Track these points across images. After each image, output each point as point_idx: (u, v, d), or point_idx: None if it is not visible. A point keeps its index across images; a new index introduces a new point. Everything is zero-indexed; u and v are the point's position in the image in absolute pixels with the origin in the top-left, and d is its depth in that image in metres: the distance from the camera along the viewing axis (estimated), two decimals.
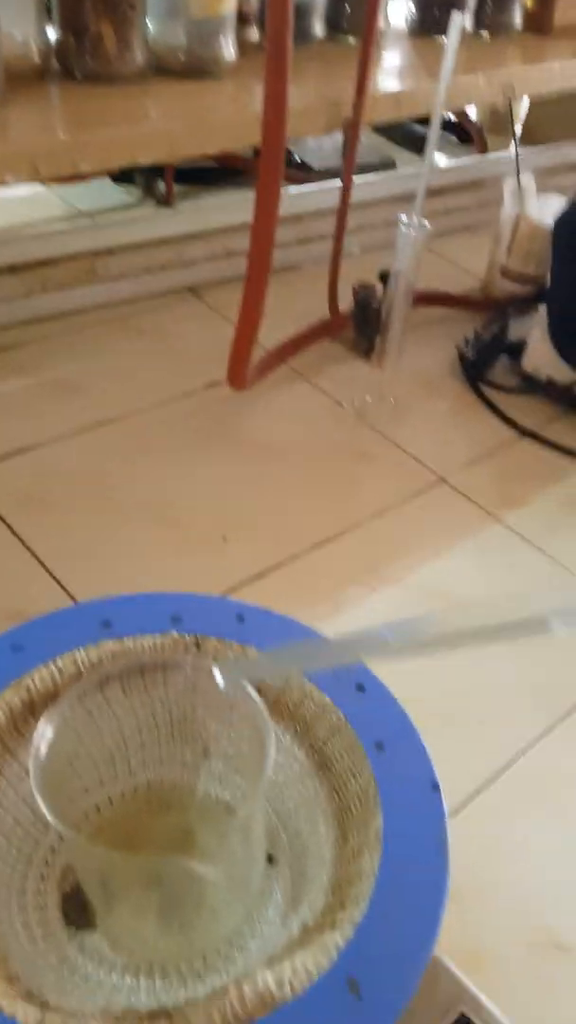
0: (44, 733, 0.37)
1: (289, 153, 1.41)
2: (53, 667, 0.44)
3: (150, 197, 1.34)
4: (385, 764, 0.42)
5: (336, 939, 0.35)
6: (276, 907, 0.43)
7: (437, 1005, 0.38)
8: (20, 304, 1.00)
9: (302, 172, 1.38)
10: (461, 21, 0.70)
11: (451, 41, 0.70)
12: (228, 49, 0.90)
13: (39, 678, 0.43)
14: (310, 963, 0.35)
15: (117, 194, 1.35)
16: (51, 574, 0.74)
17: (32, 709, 0.44)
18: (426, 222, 0.78)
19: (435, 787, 0.41)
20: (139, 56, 0.86)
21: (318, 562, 0.78)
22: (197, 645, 0.47)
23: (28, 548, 0.76)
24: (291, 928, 0.40)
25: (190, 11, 0.85)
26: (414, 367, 1.00)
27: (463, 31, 1.12)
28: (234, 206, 1.16)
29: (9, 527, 0.78)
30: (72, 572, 0.74)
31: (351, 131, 0.92)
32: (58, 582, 0.74)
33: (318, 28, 1.03)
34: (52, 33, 0.84)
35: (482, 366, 0.99)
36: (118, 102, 0.83)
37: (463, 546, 0.82)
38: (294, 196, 1.19)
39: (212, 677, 0.45)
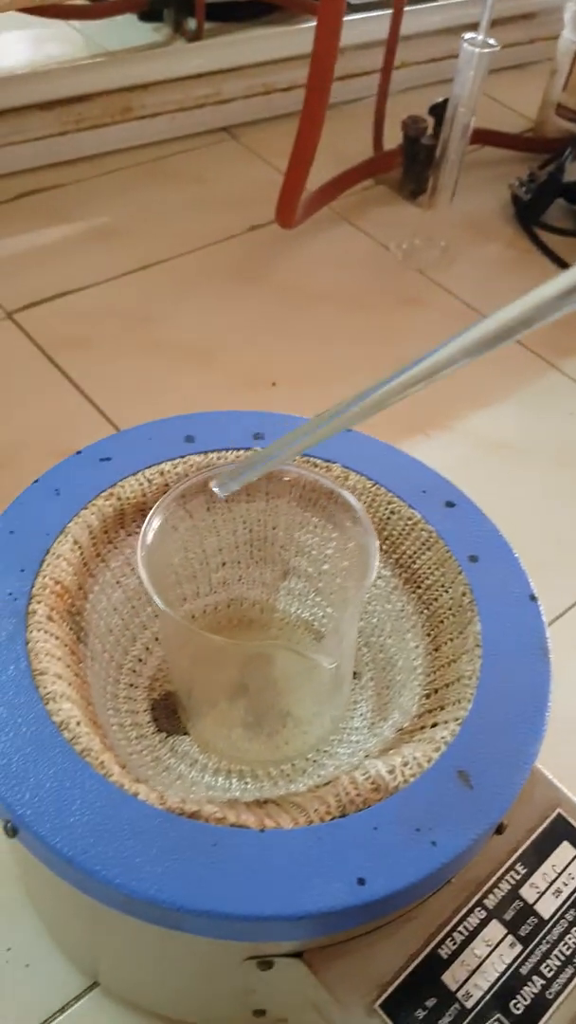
0: (151, 523, 0.36)
1: None
2: (142, 477, 0.42)
3: (179, 35, 1.25)
4: (479, 577, 0.41)
5: (443, 734, 0.35)
6: (362, 717, 0.43)
7: (536, 806, 0.38)
8: (55, 143, 0.94)
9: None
10: None
11: None
12: None
13: (128, 488, 0.42)
14: (419, 754, 0.34)
15: (144, 32, 1.26)
16: (100, 411, 0.72)
17: (122, 518, 0.42)
18: (492, 40, 0.72)
19: (533, 598, 0.40)
20: None
21: None
22: None
23: (77, 386, 0.74)
24: (383, 734, 0.40)
25: None
26: (464, 210, 0.95)
27: None
28: (273, 40, 1.08)
29: (58, 367, 0.75)
30: (120, 410, 0.72)
31: None
32: (107, 419, 0.72)
33: None
34: None
35: (537, 208, 0.94)
36: None
37: (519, 394, 0.79)
38: None
39: (291, 494, 0.44)
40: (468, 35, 0.73)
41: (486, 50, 0.73)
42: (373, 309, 0.85)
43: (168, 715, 0.43)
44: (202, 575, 0.46)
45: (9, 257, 0.86)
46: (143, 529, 0.37)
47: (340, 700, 0.42)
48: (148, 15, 1.28)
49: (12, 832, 0.32)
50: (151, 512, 0.38)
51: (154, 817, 0.31)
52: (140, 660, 0.44)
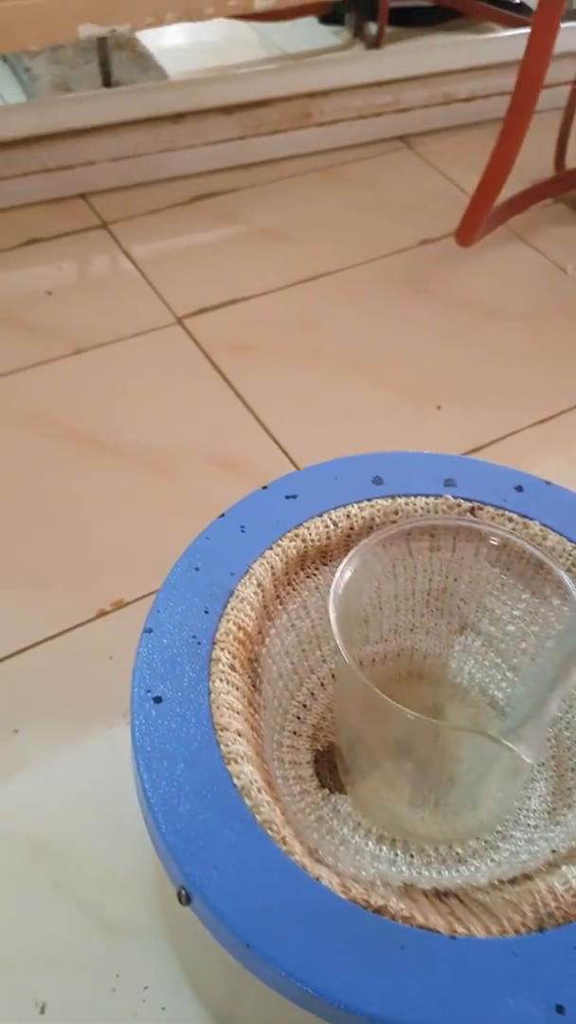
0: (346, 571, 0.34)
1: None
2: (328, 519, 0.39)
3: (359, 39, 1.22)
4: None
5: None
6: (540, 799, 0.39)
7: None
8: (233, 147, 0.92)
9: (520, 14, 1.21)
10: None
11: None
12: None
13: (314, 529, 0.39)
14: None
15: (324, 35, 1.23)
16: (260, 422, 0.70)
17: (303, 560, 0.40)
18: None
19: None
20: None
21: (542, 439, 0.71)
22: (473, 512, 0.41)
23: (239, 395, 0.72)
24: (568, 824, 0.36)
25: None
26: None
27: None
28: (455, 49, 1.03)
29: (222, 374, 0.74)
30: (281, 422, 0.70)
31: None
32: (267, 430, 0.69)
33: None
34: None
35: None
36: None
37: None
38: (519, 38, 1.04)
39: (481, 551, 0.40)
40: None
41: None
42: (547, 332, 0.80)
43: (331, 769, 0.40)
44: (374, 620, 0.43)
45: (181, 261, 0.85)
46: (336, 578, 0.34)
47: (521, 781, 0.39)
48: (329, 18, 1.24)
49: (186, 900, 0.29)
50: (345, 561, 0.35)
51: (338, 908, 0.28)
52: (305, 706, 0.42)
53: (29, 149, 0.85)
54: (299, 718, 0.42)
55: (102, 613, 0.57)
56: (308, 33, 1.23)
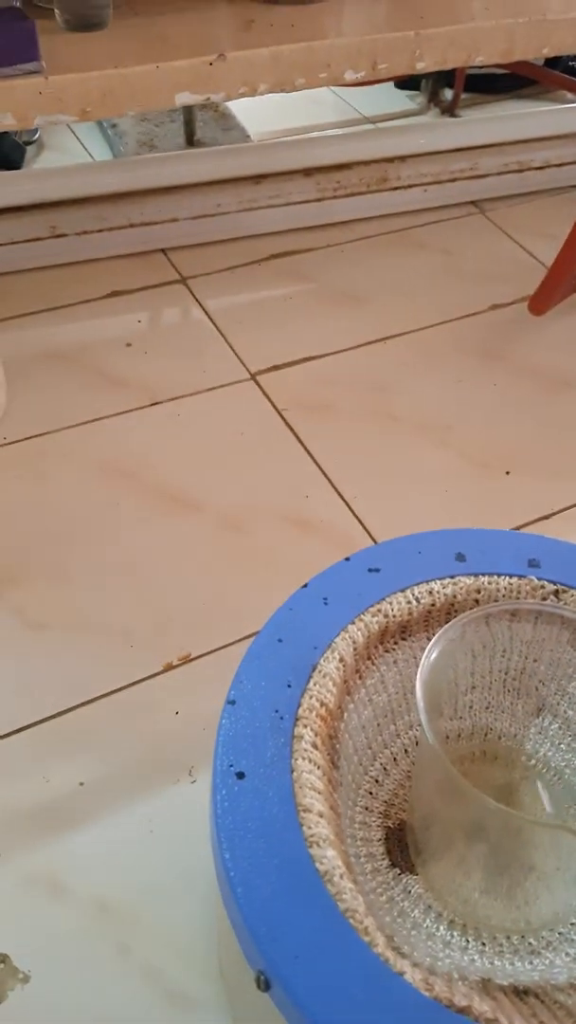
0: (433, 651, 0.34)
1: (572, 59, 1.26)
2: (411, 595, 0.39)
3: (435, 104, 1.24)
4: None
5: None
6: None
7: None
8: (310, 208, 0.94)
9: None
10: None
11: None
12: None
13: (396, 605, 0.39)
14: None
15: (401, 100, 1.26)
16: (331, 482, 0.70)
17: (383, 635, 0.40)
18: None
19: None
20: None
21: None
22: (556, 595, 0.41)
23: (310, 453, 0.73)
24: None
25: None
26: None
27: None
28: (531, 118, 1.04)
29: (294, 432, 0.74)
30: (352, 483, 0.70)
31: None
32: (337, 491, 0.70)
33: None
34: None
35: None
36: None
37: None
38: None
39: (563, 634, 0.40)
40: None
41: None
42: None
43: (402, 848, 0.40)
44: (449, 697, 0.43)
45: (256, 317, 0.86)
46: (424, 658, 0.34)
47: None
48: (405, 83, 1.27)
49: (266, 986, 0.29)
50: (432, 642, 0.35)
51: (421, 1006, 0.28)
52: (377, 782, 0.41)
53: (115, 205, 0.88)
54: (371, 793, 0.41)
55: (169, 667, 0.57)
56: (385, 97, 1.25)
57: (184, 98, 0.62)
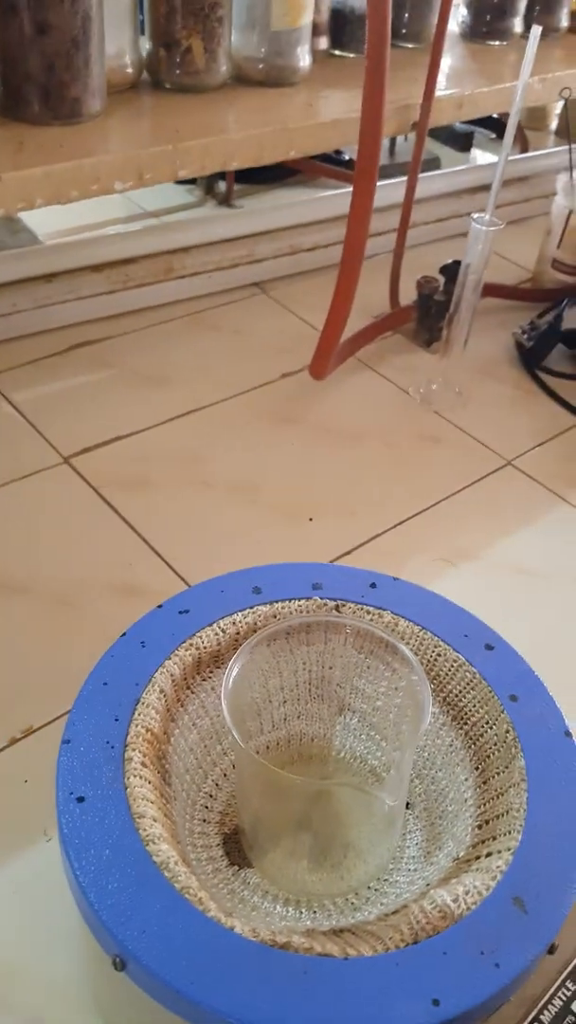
0: (233, 669, 0.41)
1: (338, 152, 1.43)
2: (217, 628, 0.47)
3: (211, 196, 1.37)
4: (519, 714, 0.45)
5: (498, 863, 0.38)
6: (417, 846, 0.46)
7: None
8: (104, 300, 1.02)
9: (351, 170, 1.39)
10: (538, 32, 0.71)
11: (530, 49, 0.71)
12: (304, 59, 0.92)
13: (205, 638, 0.46)
14: (478, 883, 0.37)
15: (179, 194, 1.37)
16: (153, 549, 0.77)
17: (198, 666, 0.46)
18: (497, 219, 0.80)
19: (568, 734, 0.44)
20: (223, 67, 0.88)
21: (399, 540, 0.80)
22: (337, 609, 0.49)
23: (131, 525, 0.79)
24: (439, 863, 0.43)
25: (271, 23, 0.86)
26: (474, 355, 1.02)
27: (513, 34, 1.14)
28: (298, 206, 1.18)
29: (112, 507, 0.81)
30: (172, 546, 0.77)
31: (419, 133, 0.94)
32: (160, 555, 0.76)
33: None
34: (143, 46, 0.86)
35: (539, 354, 1.01)
36: (206, 111, 0.85)
37: (532, 525, 0.84)
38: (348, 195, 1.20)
39: (347, 640, 0.48)
40: (476, 214, 0.81)
41: (492, 228, 0.81)
42: (398, 448, 0.91)
43: (239, 849, 0.46)
44: (266, 712, 0.50)
45: (64, 404, 0.92)
46: (226, 674, 0.41)
47: (397, 831, 0.45)
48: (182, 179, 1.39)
49: (121, 965, 0.35)
50: (232, 659, 0.42)
51: (250, 949, 0.34)
52: (211, 796, 0.48)
53: None
54: (207, 807, 0.47)
55: (13, 740, 0.61)
56: (164, 191, 1.37)
57: None
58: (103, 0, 0.73)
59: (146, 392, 0.95)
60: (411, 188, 0.98)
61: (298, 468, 0.87)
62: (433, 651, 0.48)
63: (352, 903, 0.44)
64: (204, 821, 0.47)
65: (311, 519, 0.82)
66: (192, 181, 1.39)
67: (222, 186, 1.37)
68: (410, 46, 1.07)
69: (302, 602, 0.49)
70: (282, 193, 1.40)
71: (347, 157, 1.42)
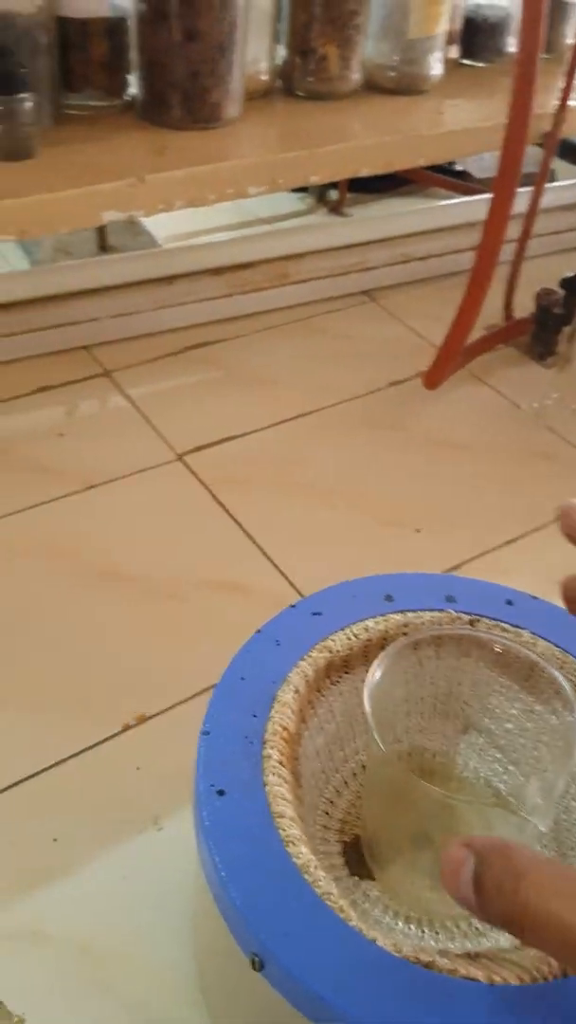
0: (376, 671, 0.40)
1: (451, 163, 1.42)
2: (350, 632, 0.46)
3: (322, 204, 1.37)
4: None
5: None
6: None
7: None
8: (221, 303, 1.03)
9: (464, 181, 1.38)
10: None
11: None
12: (436, 67, 0.91)
13: (338, 641, 0.45)
14: None
15: (291, 201, 1.38)
16: (259, 547, 0.77)
17: (329, 669, 0.46)
18: None
19: None
20: (356, 75, 0.88)
21: (511, 558, 0.79)
22: (472, 623, 0.48)
23: (237, 522, 0.79)
24: None
25: (408, 31, 0.86)
26: None
27: None
28: (412, 216, 1.17)
29: (221, 504, 0.81)
30: (277, 547, 0.77)
31: (549, 143, 0.92)
32: (268, 557, 0.76)
33: (512, 45, 1.03)
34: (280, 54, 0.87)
35: None
36: (337, 118, 0.85)
37: None
38: (467, 204, 1.19)
39: (482, 657, 0.47)
40: None
41: None
42: (508, 463, 0.89)
43: (359, 859, 0.45)
44: (389, 722, 0.49)
45: (177, 403, 0.93)
46: (368, 677, 0.40)
47: None
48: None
49: (260, 966, 0.34)
50: (375, 663, 0.41)
51: (393, 964, 0.33)
52: (331, 802, 0.47)
53: (36, 309, 0.95)
54: (327, 813, 0.47)
55: (127, 727, 0.62)
56: (276, 198, 1.37)
57: (110, 216, 0.70)
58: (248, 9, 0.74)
59: (256, 395, 0.95)
60: (536, 196, 0.96)
61: (404, 477, 0.86)
62: (574, 675, 0.46)
63: (477, 928, 0.42)
64: (325, 827, 0.46)
65: (418, 530, 0.81)
66: (304, 189, 1.39)
67: (333, 194, 1.37)
68: (544, 56, 1.05)
69: (436, 613, 0.48)
70: (393, 203, 1.40)
71: (459, 168, 1.41)
